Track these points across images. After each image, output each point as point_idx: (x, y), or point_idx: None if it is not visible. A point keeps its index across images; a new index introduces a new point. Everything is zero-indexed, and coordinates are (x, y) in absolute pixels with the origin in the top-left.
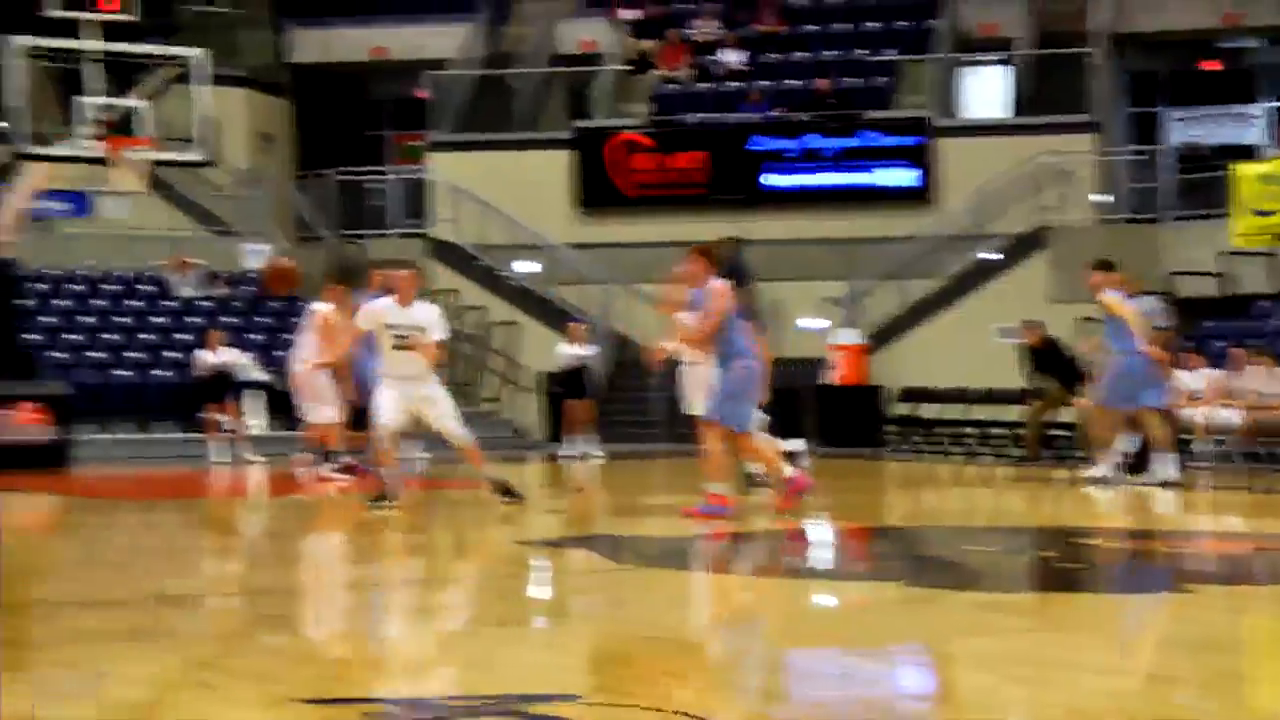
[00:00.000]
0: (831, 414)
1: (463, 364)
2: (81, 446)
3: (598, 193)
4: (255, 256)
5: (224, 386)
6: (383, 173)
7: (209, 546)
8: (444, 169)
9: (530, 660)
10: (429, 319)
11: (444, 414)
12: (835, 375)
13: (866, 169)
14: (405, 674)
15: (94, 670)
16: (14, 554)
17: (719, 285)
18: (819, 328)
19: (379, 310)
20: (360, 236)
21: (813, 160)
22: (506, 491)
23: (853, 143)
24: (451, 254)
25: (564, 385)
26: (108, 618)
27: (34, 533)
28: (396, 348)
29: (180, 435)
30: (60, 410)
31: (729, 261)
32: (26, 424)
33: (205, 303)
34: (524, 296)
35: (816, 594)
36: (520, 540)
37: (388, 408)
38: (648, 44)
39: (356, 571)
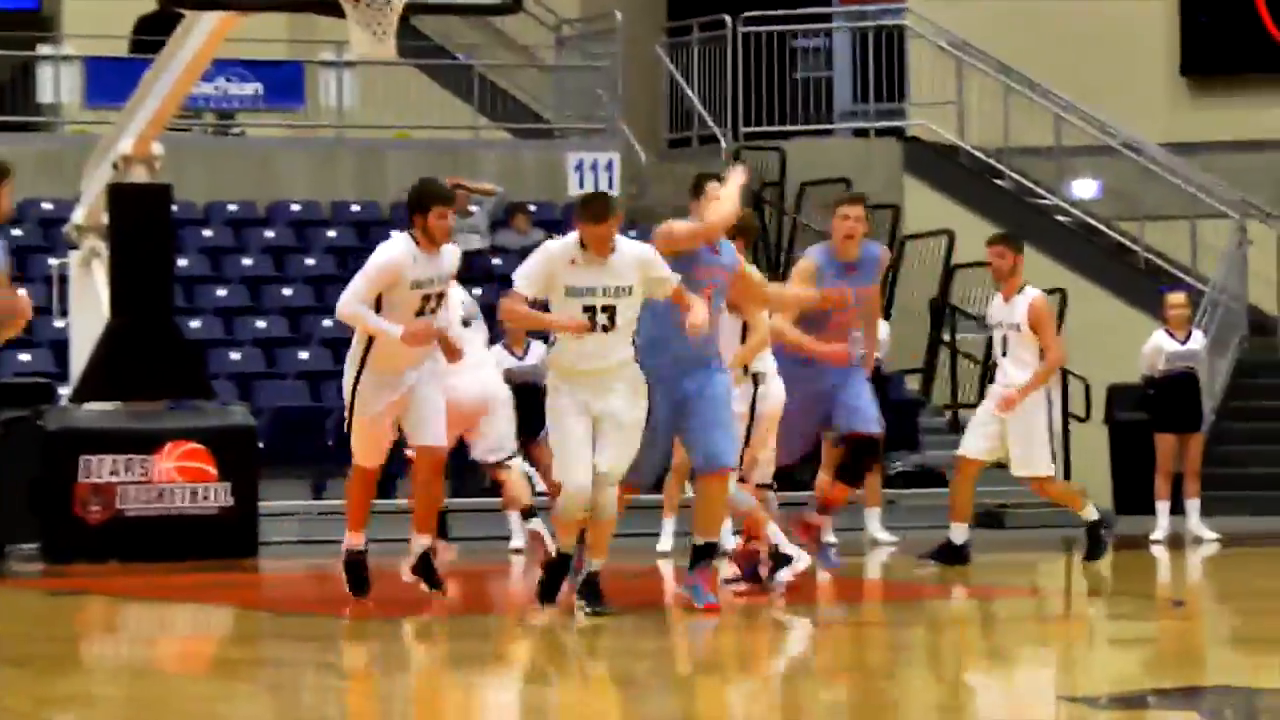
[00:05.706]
0: None
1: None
2: (273, 523)
3: (1223, 49)
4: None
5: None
6: (826, 18)
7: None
8: (933, 11)
9: None
10: None
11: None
12: None
13: None
14: None
15: None
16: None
17: None
18: None
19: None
20: (773, 136)
21: None
22: None
23: None
24: (943, 165)
25: (1156, 407)
26: None
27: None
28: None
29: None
30: (238, 455)
31: None
32: (185, 482)
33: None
34: (1083, 244)
35: None
36: (1072, 695)
37: None
38: None
39: None
